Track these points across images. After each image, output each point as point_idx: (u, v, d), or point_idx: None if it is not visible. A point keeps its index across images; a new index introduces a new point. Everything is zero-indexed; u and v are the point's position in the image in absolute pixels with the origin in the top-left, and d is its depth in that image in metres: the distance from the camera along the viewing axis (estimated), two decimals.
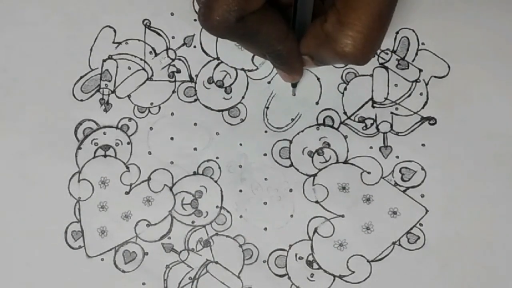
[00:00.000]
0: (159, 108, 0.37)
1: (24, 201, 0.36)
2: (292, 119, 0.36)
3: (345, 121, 0.36)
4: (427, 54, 0.36)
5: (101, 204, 0.36)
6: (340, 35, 0.26)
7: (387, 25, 0.27)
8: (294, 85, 0.36)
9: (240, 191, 0.36)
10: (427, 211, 0.35)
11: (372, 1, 0.25)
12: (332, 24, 0.26)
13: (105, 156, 0.36)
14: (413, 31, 0.37)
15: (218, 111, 0.37)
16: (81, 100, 0.37)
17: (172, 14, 0.37)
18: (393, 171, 0.36)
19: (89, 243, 0.36)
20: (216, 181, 0.36)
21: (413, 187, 0.36)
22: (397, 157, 0.36)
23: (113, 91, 0.37)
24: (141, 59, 0.37)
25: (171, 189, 0.36)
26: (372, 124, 0.36)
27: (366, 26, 0.25)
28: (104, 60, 0.37)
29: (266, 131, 0.36)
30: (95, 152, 0.36)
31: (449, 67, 0.36)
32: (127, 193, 0.36)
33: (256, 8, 0.25)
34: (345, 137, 0.36)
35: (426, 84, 0.36)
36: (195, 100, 0.37)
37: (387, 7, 0.26)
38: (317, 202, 0.36)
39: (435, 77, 0.36)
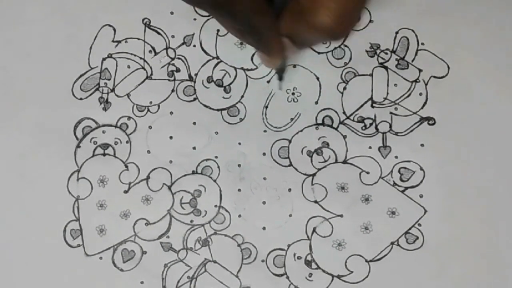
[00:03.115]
0: (158, 107, 0.37)
1: (23, 199, 0.36)
2: (291, 119, 0.36)
3: (344, 121, 0.36)
4: (427, 54, 0.36)
5: (100, 202, 0.36)
6: (316, 7, 0.25)
7: None
8: (280, 78, 0.36)
9: (239, 190, 0.36)
10: (425, 211, 0.35)
11: None
12: None
13: (104, 154, 0.36)
14: (413, 31, 0.37)
15: (217, 110, 0.37)
16: (81, 99, 0.37)
17: (171, 13, 0.37)
18: (392, 171, 0.36)
19: (87, 242, 0.36)
20: (215, 180, 0.36)
21: (412, 187, 0.36)
22: (396, 157, 0.36)
23: (113, 90, 0.37)
24: (140, 58, 0.37)
25: (170, 188, 0.36)
26: (371, 124, 0.36)
27: None
28: (103, 59, 0.37)
29: (265, 131, 0.36)
30: (94, 151, 0.36)
31: (448, 67, 0.36)
32: (126, 191, 0.36)
33: None
34: (344, 137, 0.36)
35: (426, 84, 0.36)
36: (194, 99, 0.37)
37: None
38: (316, 201, 0.36)
39: (434, 77, 0.36)
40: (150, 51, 0.37)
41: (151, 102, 0.37)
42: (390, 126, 0.36)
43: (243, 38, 0.30)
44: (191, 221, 0.36)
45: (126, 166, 0.36)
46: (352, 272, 0.35)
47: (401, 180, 0.36)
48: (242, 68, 0.37)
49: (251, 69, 0.37)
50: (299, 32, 0.28)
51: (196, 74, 0.37)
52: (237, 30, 0.29)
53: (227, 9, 0.27)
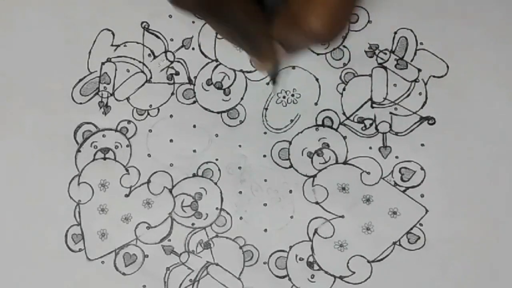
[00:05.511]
0: (158, 110, 0.37)
1: (24, 205, 0.36)
2: (291, 120, 0.36)
3: (344, 122, 0.36)
4: (426, 54, 0.36)
5: (101, 207, 0.36)
6: (306, 12, 0.25)
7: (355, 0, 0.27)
8: (273, 82, 0.36)
9: (240, 192, 0.36)
10: (427, 211, 0.35)
11: None
12: (297, 2, 0.26)
13: (104, 158, 0.36)
14: (412, 31, 0.37)
15: (217, 112, 0.37)
16: (80, 103, 0.37)
17: (170, 16, 0.37)
18: (392, 171, 0.36)
19: (89, 246, 0.36)
20: (215, 183, 0.36)
21: (412, 187, 0.36)
22: (397, 157, 0.36)
23: (112, 94, 0.37)
24: (139, 62, 0.37)
25: (170, 191, 0.36)
26: (371, 125, 0.36)
27: (332, 1, 0.25)
28: (102, 63, 0.37)
29: (265, 132, 0.36)
30: (94, 155, 0.36)
31: (447, 66, 0.36)
32: (127, 195, 0.36)
33: None
34: (345, 137, 0.36)
35: (425, 84, 0.36)
36: (194, 102, 0.37)
37: None
38: (317, 203, 0.36)
39: (434, 76, 0.36)
40: (149, 55, 0.37)
41: (151, 106, 0.37)
42: (390, 126, 0.36)
43: (236, 42, 0.30)
44: (193, 224, 0.36)
45: (127, 170, 0.36)
46: (354, 272, 0.35)
47: (402, 180, 0.36)
48: (241, 71, 0.37)
49: (250, 71, 0.37)
50: (290, 37, 0.28)
51: (195, 77, 0.37)
52: (229, 34, 0.30)
53: (220, 15, 0.27)
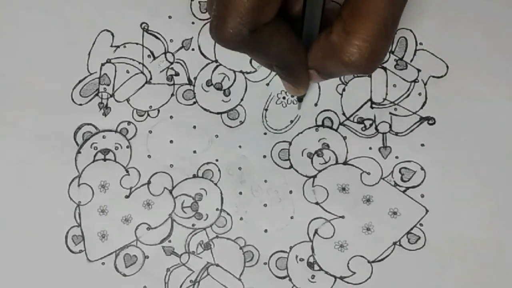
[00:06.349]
0: (158, 111, 0.37)
1: (24, 206, 0.36)
2: (291, 121, 0.36)
3: (344, 122, 0.36)
4: (425, 54, 0.36)
5: (101, 208, 0.36)
6: (346, 44, 0.26)
7: (393, 33, 0.27)
8: (300, 99, 0.36)
9: (240, 193, 0.36)
10: (427, 211, 0.35)
11: (377, 9, 0.25)
12: (337, 34, 0.26)
13: (104, 160, 0.36)
14: (411, 31, 0.37)
15: (217, 113, 0.37)
16: (80, 105, 0.37)
17: (170, 17, 0.37)
18: (392, 171, 0.36)
19: (89, 247, 0.36)
20: (216, 184, 0.36)
21: (413, 187, 0.36)
22: (397, 157, 0.36)
23: (112, 95, 0.37)
24: (139, 63, 0.37)
25: (171, 192, 0.36)
26: (371, 125, 0.36)
27: (372, 34, 0.25)
28: (102, 64, 0.37)
29: (265, 133, 0.36)
30: (94, 156, 0.36)
31: (447, 66, 0.36)
32: (127, 196, 0.36)
33: (269, 20, 0.25)
34: (344, 138, 0.36)
35: (425, 84, 0.36)
36: (194, 103, 0.37)
37: (392, 15, 0.26)
38: (317, 203, 0.36)
39: (433, 77, 0.36)
40: (149, 56, 0.37)
41: (150, 107, 0.37)
42: (390, 127, 0.36)
43: (272, 69, 0.30)
44: (193, 224, 0.36)
45: (127, 171, 0.36)
46: (354, 273, 0.35)
47: (402, 180, 0.36)
48: (241, 71, 0.37)
49: (250, 72, 0.37)
50: (329, 67, 0.28)
51: (195, 78, 0.37)
52: (268, 65, 0.30)
53: (265, 52, 0.27)
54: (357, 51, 0.26)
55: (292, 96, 0.36)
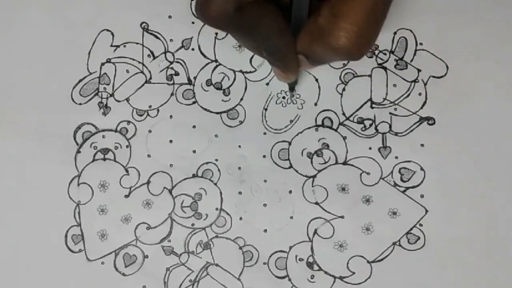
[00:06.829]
0: (158, 111, 0.37)
1: (24, 205, 0.36)
2: (291, 121, 0.36)
3: (344, 122, 0.36)
4: (425, 54, 0.36)
5: (101, 207, 0.36)
6: (333, 28, 0.25)
7: (382, 19, 0.26)
8: (291, 89, 0.36)
9: (240, 193, 0.36)
10: (426, 211, 0.35)
11: None
12: (325, 17, 0.26)
13: (104, 159, 0.36)
14: (411, 31, 0.37)
15: (217, 113, 0.37)
16: (80, 104, 0.37)
17: (170, 17, 0.37)
18: (392, 171, 0.36)
19: (89, 247, 0.36)
20: (215, 183, 0.36)
21: (412, 187, 0.36)
22: (396, 157, 0.36)
23: (112, 95, 0.37)
24: (139, 62, 0.37)
25: (170, 191, 0.36)
26: (371, 125, 0.36)
27: (360, 18, 0.25)
28: (102, 64, 0.37)
29: (265, 133, 0.36)
30: (94, 156, 0.36)
31: (447, 67, 0.36)
32: (126, 196, 0.36)
33: None
34: (344, 138, 0.36)
35: (425, 84, 0.36)
36: (194, 102, 0.37)
37: (382, 1, 0.25)
38: (316, 203, 0.36)
39: (433, 77, 0.36)
40: (148, 55, 0.37)
41: (150, 106, 0.37)
42: (390, 127, 0.36)
43: (261, 55, 0.30)
44: (192, 224, 0.36)
45: (127, 171, 0.36)
46: (354, 273, 0.35)
47: (402, 180, 0.36)
48: (241, 71, 0.37)
49: (250, 72, 0.37)
50: (317, 52, 0.28)
51: (195, 78, 0.37)
52: (256, 48, 0.30)
53: (250, 32, 0.27)
54: (344, 35, 0.25)
55: (291, 95, 0.36)
